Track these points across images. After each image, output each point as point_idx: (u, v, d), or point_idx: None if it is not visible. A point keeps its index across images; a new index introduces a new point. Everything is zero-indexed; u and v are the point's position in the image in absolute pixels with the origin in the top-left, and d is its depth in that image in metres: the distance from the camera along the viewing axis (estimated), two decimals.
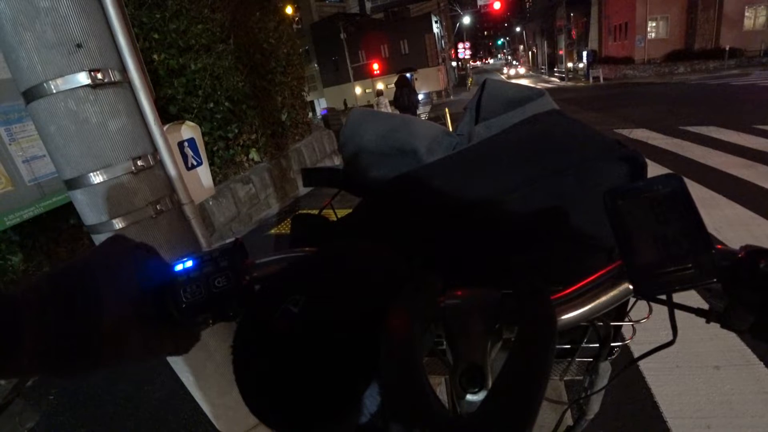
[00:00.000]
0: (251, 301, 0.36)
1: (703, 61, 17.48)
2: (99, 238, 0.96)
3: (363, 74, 23.70)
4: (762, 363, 1.62)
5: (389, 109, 9.30)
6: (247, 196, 4.22)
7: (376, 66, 22.24)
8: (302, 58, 6.28)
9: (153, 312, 0.34)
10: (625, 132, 6.34)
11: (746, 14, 17.08)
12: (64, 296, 0.30)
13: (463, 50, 35.06)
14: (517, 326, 0.32)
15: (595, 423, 0.57)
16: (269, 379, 0.30)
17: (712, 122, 6.15)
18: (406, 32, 23.92)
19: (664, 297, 0.32)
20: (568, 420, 0.61)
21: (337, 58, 23.57)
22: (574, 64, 29.33)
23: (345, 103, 21.29)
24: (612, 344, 0.51)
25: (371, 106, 11.91)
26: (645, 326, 0.47)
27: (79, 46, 0.82)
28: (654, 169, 3.65)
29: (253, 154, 4.53)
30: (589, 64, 22.99)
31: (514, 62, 57.45)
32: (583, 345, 0.51)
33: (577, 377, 0.57)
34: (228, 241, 0.38)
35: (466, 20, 34.70)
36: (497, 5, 28.01)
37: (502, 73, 42.28)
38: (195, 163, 1.39)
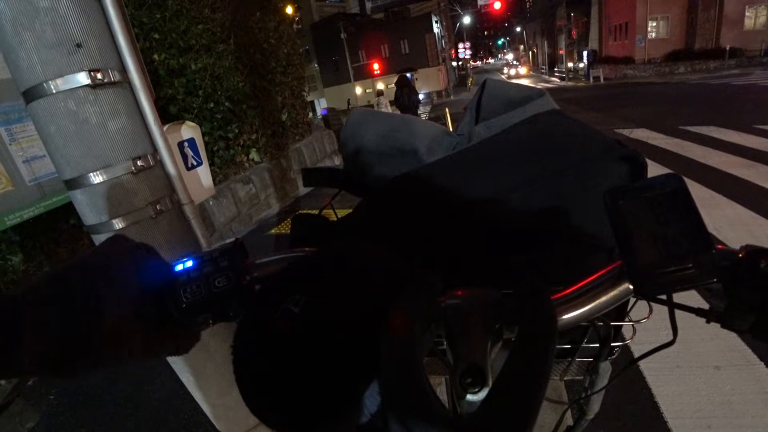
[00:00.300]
0: (251, 301, 0.36)
1: (703, 61, 17.48)
2: (99, 238, 0.96)
3: (363, 74, 23.70)
4: (762, 363, 1.62)
5: (389, 109, 9.30)
6: (247, 196, 4.22)
7: (376, 66, 22.26)
8: (302, 58, 6.28)
9: (153, 312, 0.34)
10: (626, 132, 6.34)
11: (747, 14, 17.08)
12: (64, 296, 0.30)
13: (464, 50, 35.07)
14: (517, 326, 0.32)
15: (595, 423, 0.57)
16: (269, 379, 0.30)
17: (713, 122, 6.15)
18: (406, 32, 23.92)
19: (664, 297, 0.32)
20: (569, 420, 0.61)
21: (338, 58, 23.57)
22: (574, 63, 29.33)
23: (348, 103, 21.24)
24: (612, 344, 0.51)
25: (371, 106, 11.91)
26: (645, 326, 0.47)
27: (78, 46, 0.82)
28: (654, 169, 3.65)
29: (254, 154, 4.53)
30: (590, 64, 22.99)
31: (515, 62, 57.45)
32: (584, 345, 0.51)
33: (578, 377, 0.57)
34: (228, 241, 0.38)
35: (467, 20, 34.70)
36: (497, 5, 28.02)
37: (503, 73, 42.30)
38: (195, 163, 1.39)
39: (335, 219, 0.62)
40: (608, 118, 7.91)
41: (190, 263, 0.36)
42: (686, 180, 0.30)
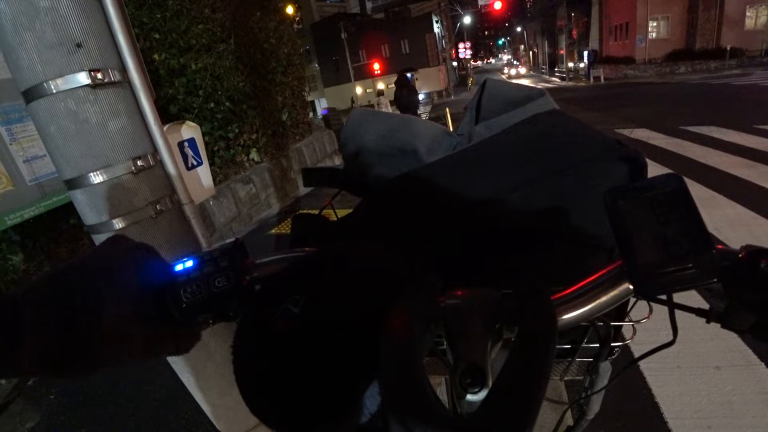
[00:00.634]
0: (251, 301, 0.36)
1: (704, 61, 17.47)
2: (99, 238, 0.96)
3: (364, 74, 23.69)
4: (763, 363, 1.62)
5: (390, 109, 9.30)
6: (247, 196, 4.22)
7: (376, 66, 22.25)
8: (303, 58, 6.28)
9: (153, 312, 0.34)
10: (626, 132, 6.34)
11: (747, 14, 17.06)
12: (64, 296, 0.30)
13: (464, 50, 35.06)
14: (517, 326, 0.32)
15: (595, 423, 0.57)
16: (269, 379, 0.30)
17: (713, 122, 6.15)
18: (406, 32, 23.91)
19: (664, 297, 0.32)
20: (569, 420, 0.61)
21: (338, 58, 23.55)
22: (574, 63, 29.32)
23: (352, 101, 21.13)
24: (612, 344, 0.51)
25: (372, 106, 11.91)
26: (645, 326, 0.47)
27: (79, 45, 0.82)
28: (655, 169, 3.65)
29: (254, 154, 4.53)
30: (590, 64, 22.98)
31: (515, 62, 57.43)
32: (584, 345, 0.51)
33: (578, 377, 0.57)
34: (228, 241, 0.38)
35: (467, 20, 34.69)
36: (498, 5, 27.97)
37: (503, 73, 42.28)
38: (195, 163, 1.39)
39: (335, 219, 0.62)
40: (608, 118, 7.91)
41: (190, 263, 0.36)
42: (686, 180, 0.30)
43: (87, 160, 0.88)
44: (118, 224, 0.92)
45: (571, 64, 28.52)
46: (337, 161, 6.59)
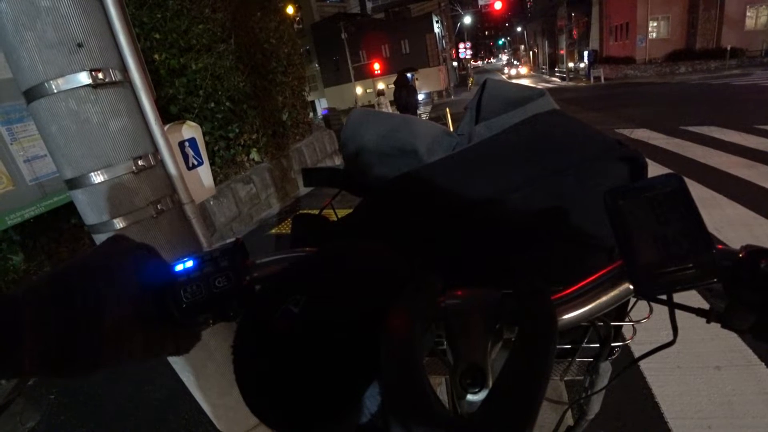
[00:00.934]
0: (251, 301, 0.36)
1: (704, 61, 17.46)
2: (100, 238, 0.96)
3: (364, 74, 23.68)
4: (763, 363, 1.62)
5: (390, 109, 9.30)
6: (247, 196, 4.22)
7: (377, 66, 22.24)
8: (303, 58, 6.28)
9: (153, 312, 0.34)
10: (626, 132, 6.34)
11: (748, 14, 17.05)
12: (64, 296, 0.30)
13: (464, 50, 35.05)
14: (517, 326, 0.32)
15: (595, 423, 0.57)
16: (269, 379, 0.30)
17: (713, 122, 6.15)
18: (407, 32, 23.90)
19: (664, 297, 0.32)
20: (569, 420, 0.61)
21: (338, 58, 23.55)
22: (575, 63, 29.30)
23: (356, 101, 20.99)
24: (612, 344, 0.51)
25: (372, 106, 11.91)
26: (645, 326, 0.47)
27: (80, 45, 0.82)
28: (655, 169, 3.65)
29: (254, 154, 4.53)
30: (590, 64, 22.96)
31: (515, 62, 57.44)
32: (584, 345, 0.51)
33: (578, 377, 0.57)
34: (228, 241, 0.38)
35: (467, 20, 34.68)
36: (498, 5, 27.96)
37: (503, 73, 42.27)
38: (196, 162, 1.39)
39: (335, 219, 0.62)
40: (609, 118, 7.91)
41: (190, 263, 0.36)
42: (687, 180, 0.30)
43: (88, 159, 0.88)
44: (119, 224, 0.92)
45: (571, 64, 28.51)
46: (338, 161, 6.59)
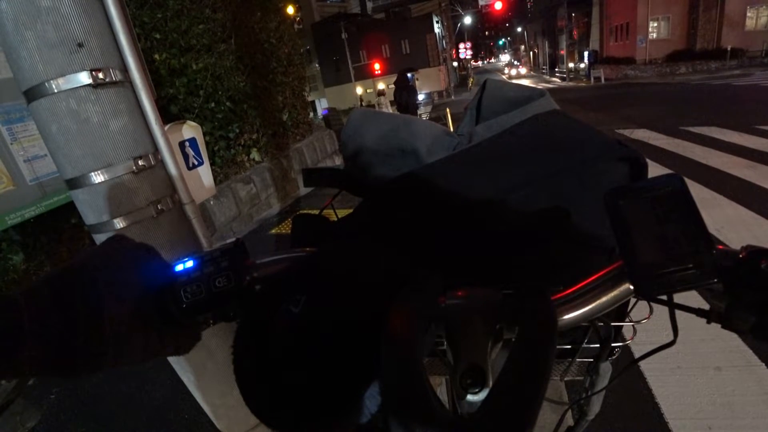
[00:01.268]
0: (252, 302, 0.36)
1: (704, 62, 17.46)
2: (100, 238, 0.96)
3: (364, 74, 23.68)
4: (764, 364, 1.61)
5: (390, 109, 9.31)
6: (248, 196, 4.22)
7: (377, 66, 22.24)
8: (303, 58, 6.28)
9: (154, 312, 0.34)
10: (627, 132, 6.33)
11: (748, 14, 17.05)
12: (65, 297, 0.30)
13: (464, 50, 35.05)
14: (517, 326, 0.32)
15: (596, 424, 0.57)
16: (269, 379, 0.30)
17: (714, 123, 6.14)
18: (407, 32, 23.90)
19: (664, 297, 0.32)
20: (569, 420, 0.61)
21: (339, 58, 23.55)
22: (575, 64, 29.33)
23: (361, 101, 20.80)
24: (613, 345, 0.51)
25: (373, 106, 11.91)
26: (646, 327, 0.47)
27: (80, 45, 0.82)
28: (655, 170, 3.65)
29: (254, 154, 4.53)
30: (590, 65, 22.97)
31: (515, 62, 57.44)
32: (584, 345, 0.51)
33: (578, 377, 0.57)
34: (229, 241, 0.38)
35: (468, 20, 34.68)
36: (498, 5, 27.99)
37: (503, 73, 42.27)
38: (196, 162, 1.39)
39: (336, 219, 0.62)
40: (609, 119, 7.91)
41: (190, 263, 0.36)
42: (687, 180, 0.30)
43: (88, 159, 0.88)
44: (119, 224, 0.92)
45: (571, 65, 28.53)
46: (338, 161, 6.59)
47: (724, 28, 17.35)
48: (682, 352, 1.72)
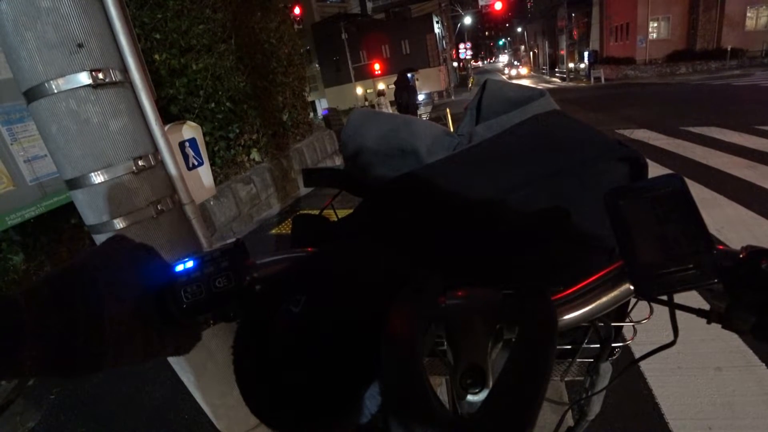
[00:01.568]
0: (252, 302, 0.36)
1: (704, 62, 17.48)
2: (100, 238, 0.96)
3: (364, 74, 23.67)
4: (764, 364, 1.61)
5: (390, 110, 9.31)
6: (248, 196, 4.22)
7: (377, 66, 22.22)
8: (303, 58, 6.28)
9: (154, 312, 0.34)
10: (627, 132, 6.34)
11: (748, 14, 17.06)
12: (65, 297, 0.30)
13: (464, 50, 35.05)
14: (517, 326, 0.32)
15: (596, 424, 0.57)
16: (270, 379, 0.30)
17: (714, 123, 6.14)
18: (407, 32, 23.90)
19: (665, 297, 0.32)
20: (569, 421, 0.61)
21: (339, 58, 23.54)
22: (575, 64, 29.33)
23: (365, 99, 20.58)
24: (613, 345, 0.51)
25: (373, 106, 11.91)
26: (646, 327, 0.47)
27: (80, 46, 0.82)
28: (655, 170, 3.64)
29: (254, 154, 4.53)
30: (591, 65, 22.97)
31: (515, 62, 57.46)
32: (584, 345, 0.51)
33: (578, 378, 0.57)
34: (229, 241, 0.38)
35: (468, 20, 34.68)
36: (498, 5, 27.98)
37: (503, 73, 42.28)
38: (196, 163, 1.39)
39: (336, 219, 0.62)
40: (609, 119, 7.91)
41: (190, 263, 0.36)
42: (687, 180, 0.30)
43: (88, 159, 0.88)
44: (119, 224, 0.92)
45: (571, 65, 28.54)
46: (338, 161, 6.60)
47: (724, 29, 17.36)
48: (682, 353, 1.72)
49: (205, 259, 0.36)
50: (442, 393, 0.69)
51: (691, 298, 0.32)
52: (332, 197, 0.70)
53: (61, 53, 0.81)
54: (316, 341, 0.30)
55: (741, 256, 0.29)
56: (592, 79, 20.98)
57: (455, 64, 35.90)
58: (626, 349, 0.55)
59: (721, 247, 0.30)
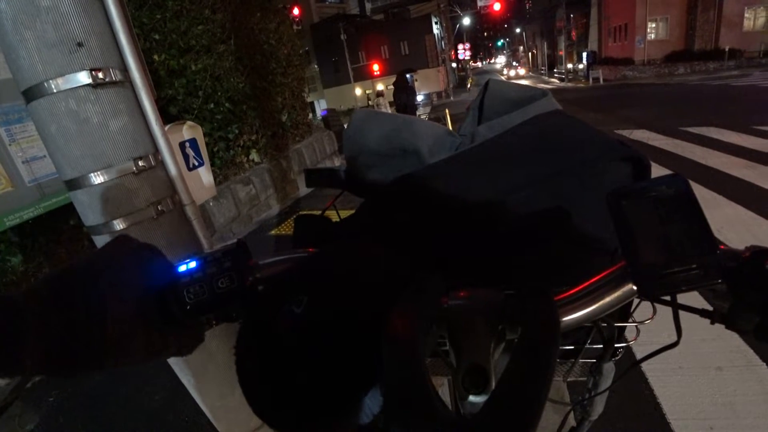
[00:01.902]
0: (254, 302, 0.36)
1: (702, 62, 17.52)
2: (99, 239, 0.95)
3: (363, 75, 23.68)
4: (765, 364, 1.62)
5: (389, 110, 9.32)
6: (247, 196, 4.22)
7: (376, 67, 22.24)
8: (302, 59, 6.28)
9: (156, 313, 0.34)
10: (626, 133, 6.35)
11: (746, 15, 17.12)
12: (67, 296, 0.30)
13: (463, 51, 35.10)
14: (520, 327, 0.32)
15: (598, 424, 0.57)
16: (272, 379, 0.30)
17: (712, 123, 6.16)
18: (406, 33, 23.94)
19: (668, 298, 0.31)
20: (572, 421, 0.61)
21: (337, 59, 23.56)
22: (573, 65, 29.39)
23: (369, 97, 20.29)
24: (616, 345, 0.51)
25: (372, 106, 11.91)
26: (649, 327, 0.47)
27: (80, 45, 0.82)
28: (655, 170, 3.64)
29: (254, 155, 4.53)
30: (589, 65, 23.01)
31: (514, 63, 57.54)
32: (587, 346, 0.51)
33: (581, 378, 0.57)
34: (231, 242, 0.38)
35: (466, 21, 34.73)
36: (497, 6, 28.05)
37: (502, 74, 42.32)
38: (196, 163, 1.39)
39: (338, 220, 0.62)
40: (608, 119, 7.92)
41: (193, 264, 0.36)
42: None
43: (87, 160, 0.87)
44: (119, 225, 0.92)
45: (570, 66, 28.60)
46: (337, 162, 6.60)
47: (722, 29, 17.41)
48: (683, 353, 1.72)
49: (208, 259, 0.36)
50: (445, 394, 0.69)
51: (694, 298, 0.32)
52: (334, 198, 0.70)
53: (61, 52, 0.80)
54: (318, 342, 0.30)
55: (744, 256, 0.29)
56: (591, 80, 21.01)
57: (454, 64, 35.94)
58: (629, 350, 0.55)
59: (723, 247, 0.30)
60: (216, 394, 1.20)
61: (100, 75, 0.84)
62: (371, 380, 0.30)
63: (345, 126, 0.72)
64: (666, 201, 0.30)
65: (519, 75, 40.53)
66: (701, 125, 6.13)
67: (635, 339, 0.51)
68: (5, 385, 1.83)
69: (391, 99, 9.22)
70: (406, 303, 0.32)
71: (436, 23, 24.53)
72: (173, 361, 1.16)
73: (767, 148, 4.55)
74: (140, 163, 0.93)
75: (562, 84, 23.70)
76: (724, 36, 17.29)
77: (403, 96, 8.78)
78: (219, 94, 3.94)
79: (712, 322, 0.32)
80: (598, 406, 0.56)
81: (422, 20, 24.40)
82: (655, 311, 0.43)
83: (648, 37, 19.91)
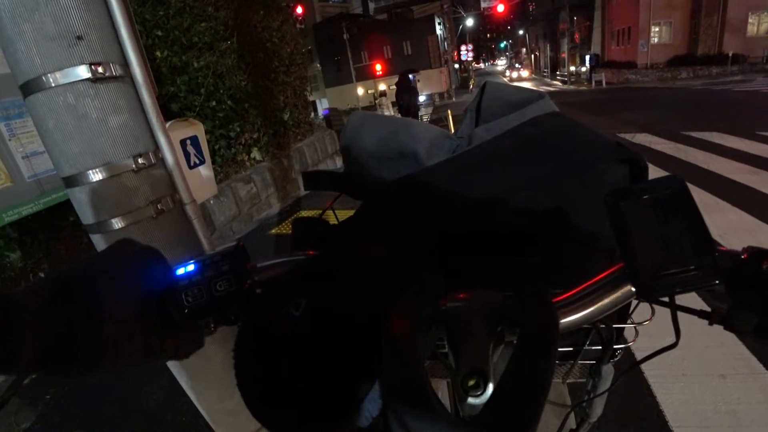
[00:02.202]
0: (253, 305, 0.36)
1: (705, 67, 17.52)
2: (97, 238, 0.94)
3: (365, 75, 23.69)
4: None
5: (391, 110, 9.34)
6: (248, 195, 4.22)
7: (378, 67, 22.26)
8: (305, 58, 6.29)
9: (154, 315, 0.34)
10: (628, 136, 6.35)
11: (749, 20, 17.12)
12: (65, 297, 0.30)
13: (466, 52, 35.13)
14: (519, 329, 0.32)
15: (598, 429, 0.57)
16: (271, 382, 0.30)
17: (715, 128, 6.16)
18: (409, 33, 23.96)
19: (666, 299, 0.31)
20: (571, 423, 0.61)
21: (340, 58, 23.57)
22: (576, 67, 29.41)
23: (374, 96, 20.19)
24: (615, 346, 0.50)
25: (376, 106, 11.91)
26: (649, 330, 0.47)
27: (79, 38, 0.81)
28: (656, 174, 3.64)
29: (255, 154, 4.54)
30: (592, 68, 23.03)
31: (517, 65, 57.64)
32: (586, 347, 0.50)
33: (580, 380, 0.57)
34: (230, 244, 0.38)
35: (469, 22, 34.77)
36: (500, 8, 28.06)
37: (504, 76, 42.39)
38: (197, 161, 1.39)
39: (336, 222, 0.62)
40: (610, 123, 7.92)
41: (192, 267, 0.36)
42: (689, 185, 0.30)
43: (86, 156, 0.87)
44: (118, 224, 0.91)
45: (572, 68, 28.64)
46: (339, 162, 6.60)
47: (725, 34, 17.41)
48: (686, 360, 1.71)
49: (206, 262, 0.36)
50: (444, 396, 0.69)
51: (694, 299, 0.32)
52: (332, 199, 0.70)
53: (60, 46, 0.79)
54: (316, 344, 0.30)
55: (742, 257, 0.29)
56: (593, 83, 21.02)
57: (456, 65, 35.99)
58: (628, 352, 0.55)
59: (722, 248, 0.30)
60: (215, 397, 1.20)
61: (100, 69, 0.83)
62: (370, 383, 0.30)
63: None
64: (663, 202, 0.30)
65: (522, 77, 40.58)
66: (704, 130, 6.13)
67: (634, 340, 0.51)
68: (2, 382, 1.83)
69: (394, 99, 9.23)
70: (405, 304, 0.32)
71: (439, 24, 24.57)
72: (171, 364, 1.15)
73: None
74: (140, 161, 0.92)
75: (565, 87, 23.73)
76: (728, 41, 17.29)
77: (406, 96, 8.79)
78: (221, 91, 3.95)
79: (711, 323, 0.32)
80: (598, 408, 0.56)
81: (425, 20, 24.43)
82: (653, 312, 0.43)
83: (651, 41, 19.92)
